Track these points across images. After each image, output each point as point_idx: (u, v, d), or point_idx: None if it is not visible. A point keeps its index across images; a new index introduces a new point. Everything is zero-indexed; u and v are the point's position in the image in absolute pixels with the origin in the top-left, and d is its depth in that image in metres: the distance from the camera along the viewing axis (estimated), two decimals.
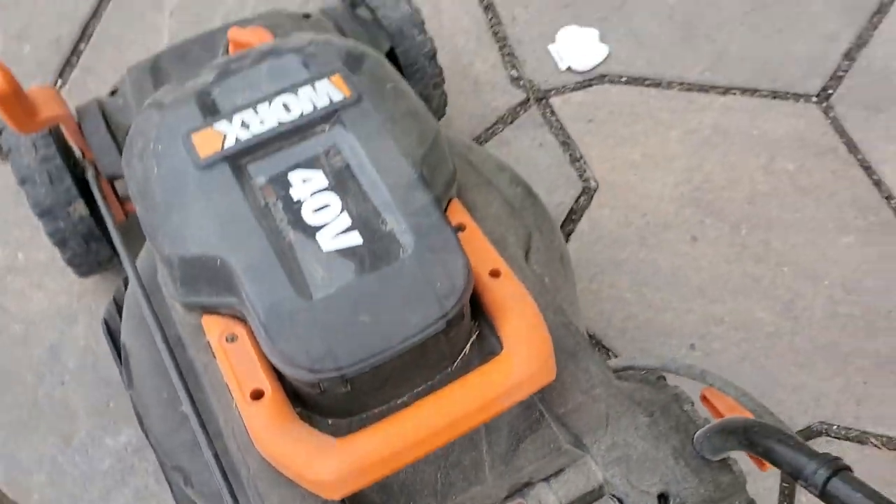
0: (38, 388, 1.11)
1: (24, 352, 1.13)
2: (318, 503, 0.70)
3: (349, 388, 0.71)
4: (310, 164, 0.77)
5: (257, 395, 0.72)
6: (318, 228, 0.73)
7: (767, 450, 0.61)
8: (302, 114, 0.78)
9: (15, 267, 1.18)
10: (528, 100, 1.34)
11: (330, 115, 0.79)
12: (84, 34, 1.38)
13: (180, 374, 0.83)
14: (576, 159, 1.29)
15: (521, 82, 1.35)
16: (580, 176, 1.27)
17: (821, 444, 1.11)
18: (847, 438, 1.11)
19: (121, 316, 0.99)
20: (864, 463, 1.10)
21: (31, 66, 1.36)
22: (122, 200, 1.09)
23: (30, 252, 1.19)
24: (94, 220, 1.04)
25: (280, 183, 0.76)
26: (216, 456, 0.78)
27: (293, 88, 0.80)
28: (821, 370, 1.15)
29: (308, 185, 0.76)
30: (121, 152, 0.99)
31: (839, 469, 0.55)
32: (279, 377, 0.74)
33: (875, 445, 1.11)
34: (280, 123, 0.78)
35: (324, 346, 0.68)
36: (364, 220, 0.74)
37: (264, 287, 0.70)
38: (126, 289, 0.98)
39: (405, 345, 0.69)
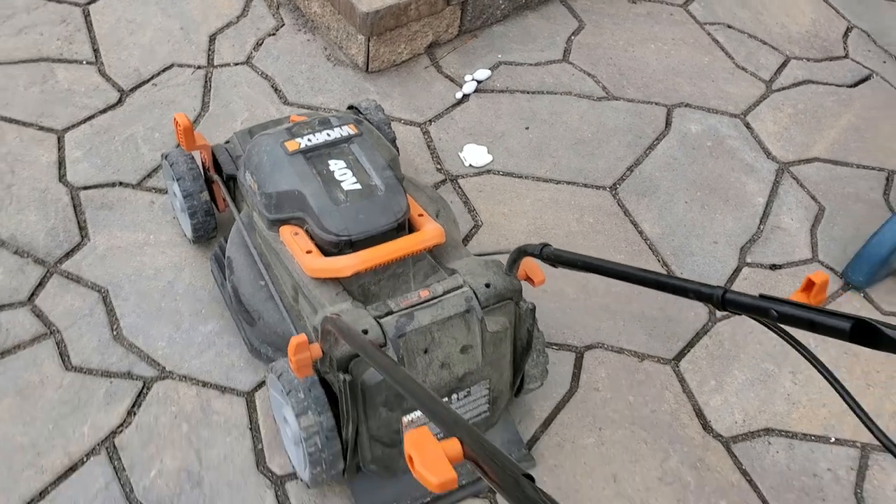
0: (162, 302, 1.94)
1: (154, 283, 1.97)
2: (339, 286, 1.58)
3: (353, 249, 1.61)
4: (338, 156, 1.72)
5: (308, 251, 1.62)
6: (342, 181, 1.67)
7: (524, 252, 1.52)
8: (336, 138, 1.74)
9: (149, 242, 2.05)
10: (446, 180, 2.32)
11: (348, 139, 1.75)
12: None
13: (263, 263, 1.72)
14: (471, 210, 2.25)
15: (442, 171, 2.34)
16: (473, 219, 2.23)
17: (598, 353, 1.99)
18: (612, 351, 2.00)
19: (223, 254, 1.87)
20: (621, 362, 1.97)
21: (159, 154, 2.29)
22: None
23: (157, 236, 2.07)
24: (210, 203, 1.95)
25: (326, 164, 1.70)
26: (281, 300, 1.65)
27: (331, 127, 1.76)
28: (595, 319, 2.05)
29: (337, 165, 1.70)
30: (235, 165, 1.92)
31: (545, 245, 1.46)
32: (318, 247, 1.63)
33: (628, 355, 2.00)
34: (325, 141, 1.73)
35: (343, 225, 1.60)
36: (362, 179, 1.67)
37: (318, 201, 1.62)
38: (227, 242, 1.86)
39: (378, 230, 1.61)
